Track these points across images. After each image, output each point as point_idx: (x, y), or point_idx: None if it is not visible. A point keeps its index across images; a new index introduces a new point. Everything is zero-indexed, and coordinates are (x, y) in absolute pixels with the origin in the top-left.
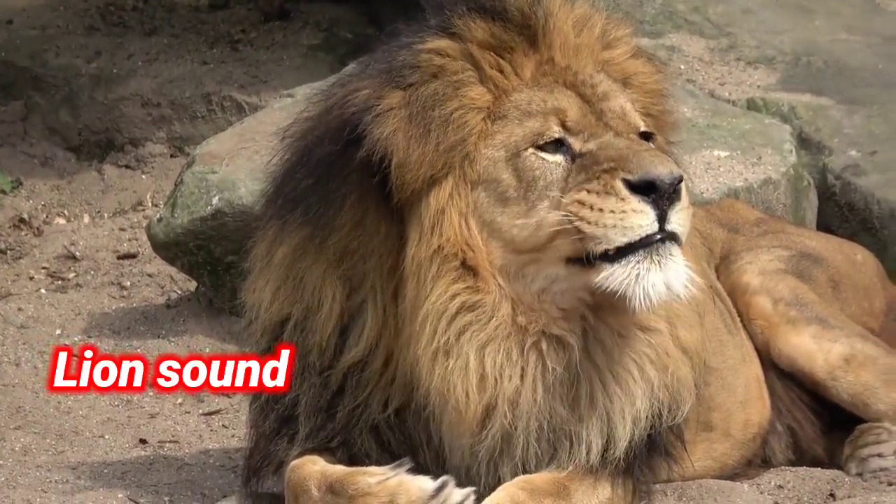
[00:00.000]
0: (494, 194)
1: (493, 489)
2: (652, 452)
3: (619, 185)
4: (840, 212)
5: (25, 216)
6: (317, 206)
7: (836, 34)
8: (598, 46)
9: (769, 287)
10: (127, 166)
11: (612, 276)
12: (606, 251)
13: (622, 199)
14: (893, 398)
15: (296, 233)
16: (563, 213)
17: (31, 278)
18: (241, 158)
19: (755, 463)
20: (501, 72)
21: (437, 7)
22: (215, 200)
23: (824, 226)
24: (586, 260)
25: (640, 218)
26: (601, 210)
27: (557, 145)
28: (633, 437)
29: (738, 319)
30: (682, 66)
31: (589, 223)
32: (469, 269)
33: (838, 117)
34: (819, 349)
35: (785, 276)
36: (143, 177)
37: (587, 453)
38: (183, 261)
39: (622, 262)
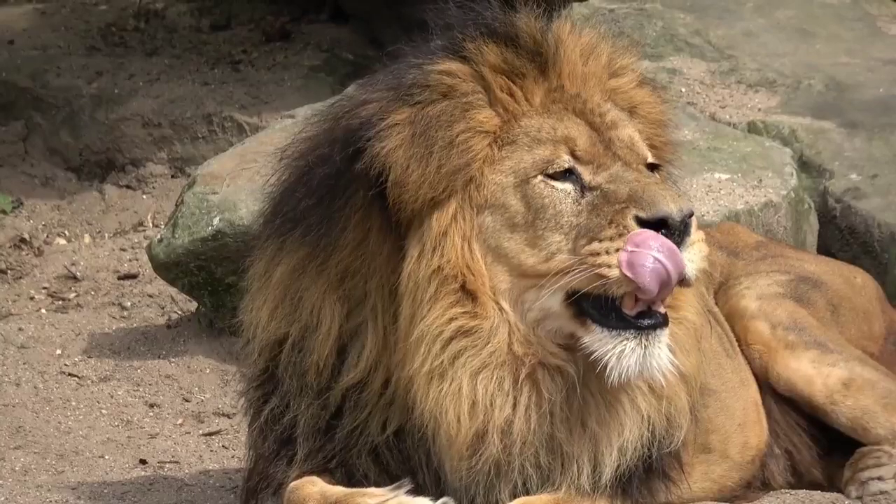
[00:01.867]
0: (501, 219)
1: None
2: (650, 474)
3: (632, 223)
4: (841, 235)
5: (26, 236)
6: (318, 226)
7: (837, 57)
8: (605, 75)
9: (767, 311)
10: (128, 186)
11: (599, 343)
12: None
13: None
14: (893, 422)
15: (295, 252)
16: (578, 258)
17: (32, 298)
18: (242, 179)
19: (754, 485)
20: (512, 96)
21: (444, 28)
22: (216, 221)
23: (825, 249)
24: (578, 312)
25: None
26: (618, 251)
27: (567, 174)
28: (620, 466)
29: (736, 344)
30: (683, 89)
31: (611, 266)
32: (468, 293)
33: (839, 140)
34: (818, 373)
35: (783, 300)
36: (144, 197)
37: (578, 477)
38: (183, 281)
39: (612, 334)
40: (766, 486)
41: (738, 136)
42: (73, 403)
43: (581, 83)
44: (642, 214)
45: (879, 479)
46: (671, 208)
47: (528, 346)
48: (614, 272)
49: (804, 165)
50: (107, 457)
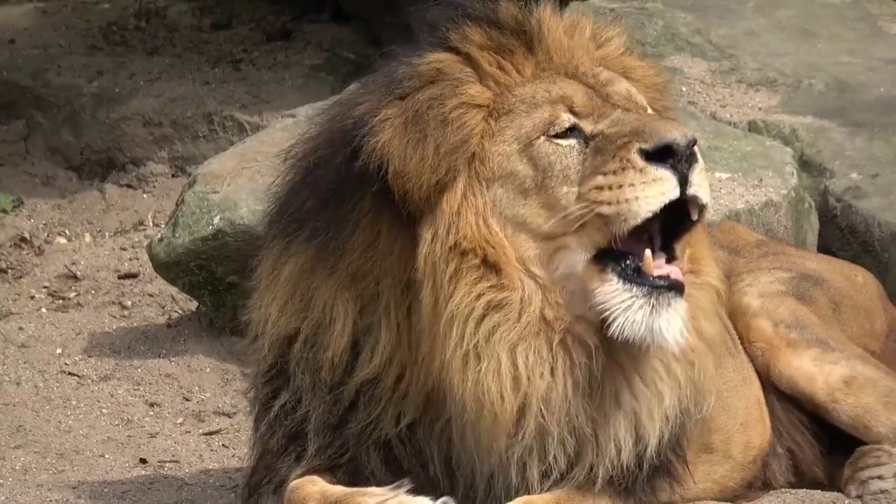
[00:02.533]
0: (513, 188)
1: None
2: (654, 472)
3: (636, 157)
4: (841, 234)
5: (27, 235)
6: (325, 230)
7: (838, 57)
8: (591, 46)
9: (769, 309)
10: (128, 186)
11: (611, 294)
12: (632, 228)
13: (640, 171)
14: (894, 420)
15: (302, 252)
16: (583, 203)
17: (32, 297)
18: (242, 178)
19: (755, 485)
20: (502, 69)
21: (431, 27)
22: (217, 220)
23: (825, 248)
24: (601, 258)
25: (660, 185)
26: (620, 186)
27: (569, 131)
28: (664, 436)
29: (738, 341)
30: (684, 88)
31: (609, 204)
32: (491, 266)
33: (840, 140)
34: (819, 371)
35: (785, 298)
36: (145, 196)
37: (618, 453)
38: (184, 280)
39: (626, 287)
40: (766, 486)
41: (738, 136)
42: (74, 402)
43: (569, 53)
44: (645, 146)
45: (879, 477)
46: (675, 134)
47: (558, 309)
48: (612, 208)
49: (805, 165)
50: (107, 456)
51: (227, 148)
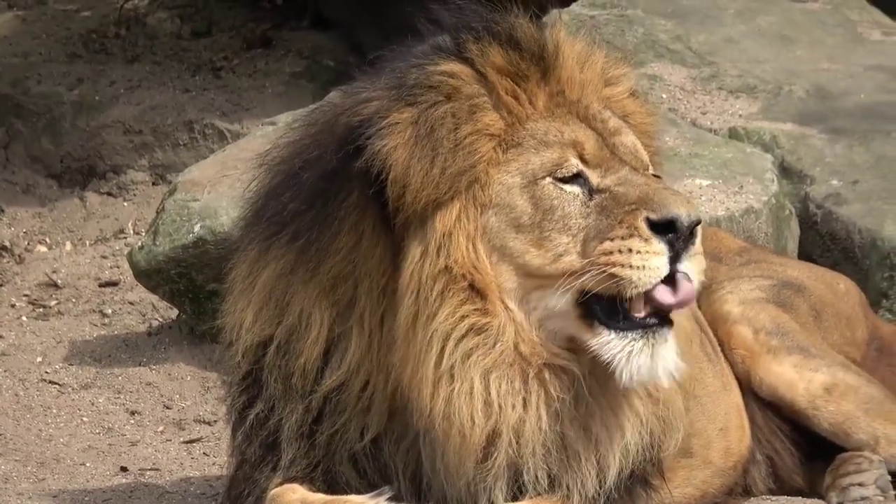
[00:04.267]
0: (507, 219)
1: None
2: (632, 482)
3: (643, 225)
4: (822, 241)
5: (7, 243)
6: (307, 231)
7: (818, 63)
8: (600, 84)
9: (750, 316)
10: (109, 194)
11: (608, 346)
12: (635, 294)
13: (645, 240)
14: (874, 427)
15: (282, 256)
16: (588, 261)
17: (13, 306)
18: (223, 186)
19: (736, 492)
20: (516, 99)
21: (439, 30)
22: (197, 228)
23: (806, 255)
24: (586, 315)
25: (658, 259)
26: (630, 251)
27: (576, 177)
28: (623, 469)
29: (718, 348)
30: (664, 95)
31: (623, 266)
32: (477, 291)
33: (820, 146)
34: (800, 378)
35: (766, 305)
36: (125, 204)
37: (585, 481)
38: (164, 288)
39: (619, 336)
40: (747, 492)
41: (719, 143)
42: (54, 411)
43: (580, 89)
44: (653, 216)
45: (860, 484)
46: (681, 211)
47: (533, 346)
48: (626, 272)
49: (785, 171)
50: (88, 464)
51: (207, 156)
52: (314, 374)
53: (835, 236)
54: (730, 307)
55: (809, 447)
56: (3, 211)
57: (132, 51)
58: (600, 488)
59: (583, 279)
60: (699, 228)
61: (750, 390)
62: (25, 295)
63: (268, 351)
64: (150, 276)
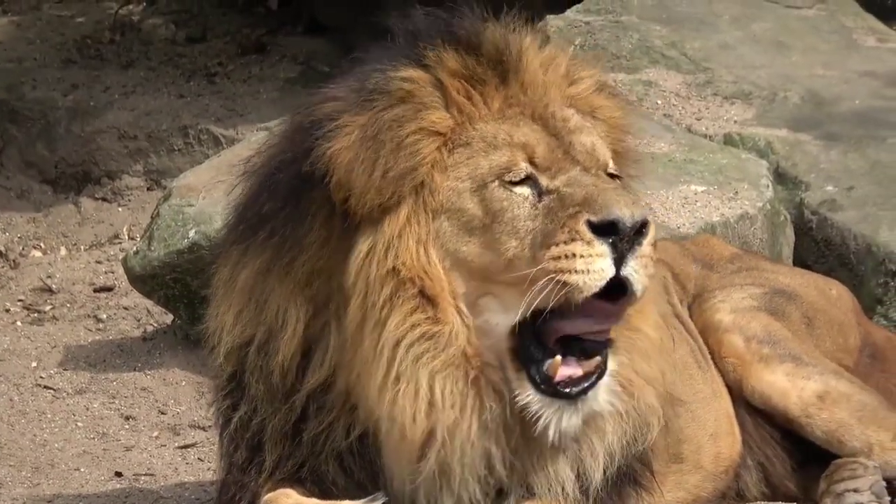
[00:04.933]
0: (458, 224)
1: None
2: (621, 481)
3: (584, 228)
4: (817, 247)
5: (2, 249)
6: (282, 227)
7: (813, 69)
8: (564, 83)
9: (741, 325)
10: (104, 199)
11: (537, 406)
12: (582, 300)
13: (587, 243)
14: (868, 435)
15: (259, 255)
16: (540, 267)
17: (7, 311)
18: (217, 191)
19: (729, 496)
20: (469, 99)
21: (409, 35)
22: (192, 233)
23: (801, 261)
24: (516, 356)
25: (602, 261)
26: (573, 255)
27: (525, 180)
28: (609, 468)
29: (708, 356)
30: (659, 101)
31: (570, 272)
32: (428, 298)
33: (815, 153)
34: (793, 386)
35: (757, 313)
36: (120, 210)
37: (567, 485)
38: (159, 294)
39: (546, 401)
40: (740, 496)
41: (714, 149)
42: (49, 416)
43: (542, 90)
44: (593, 218)
45: (855, 490)
46: (623, 212)
47: (476, 349)
48: (573, 277)
49: (780, 177)
50: (82, 469)
51: (202, 161)
52: (295, 372)
53: (830, 242)
54: (721, 316)
55: (802, 454)
56: None
57: (127, 56)
58: (585, 493)
59: (534, 292)
60: (649, 230)
61: (741, 398)
62: (20, 300)
63: (249, 352)
64: (145, 281)
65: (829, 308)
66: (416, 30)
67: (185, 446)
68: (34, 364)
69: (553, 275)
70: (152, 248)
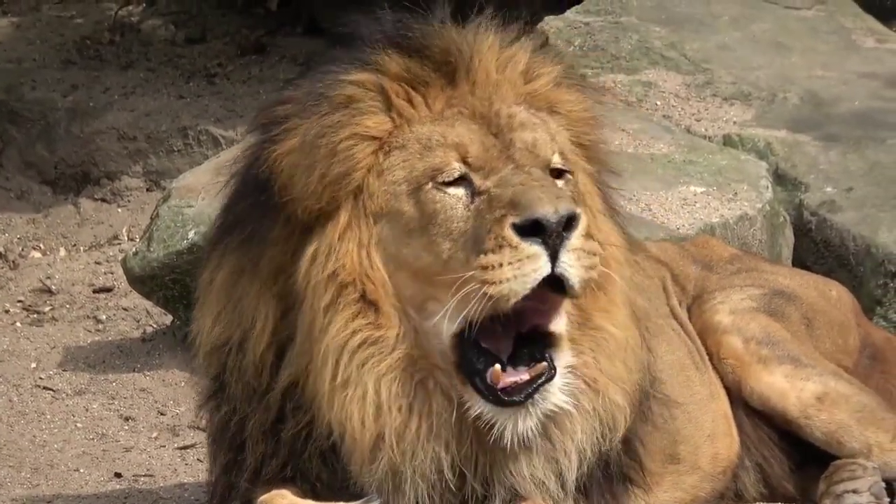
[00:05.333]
0: (398, 226)
1: None
2: (610, 478)
3: (510, 233)
4: (816, 248)
5: (1, 249)
6: (251, 226)
7: (813, 71)
8: (520, 81)
9: (740, 326)
10: (103, 200)
11: (488, 416)
12: (509, 307)
13: (515, 248)
14: (867, 436)
15: (233, 255)
16: (471, 273)
17: (7, 311)
18: (217, 192)
19: (727, 496)
20: (410, 101)
21: (359, 39)
22: (191, 234)
23: (800, 262)
24: (460, 368)
25: (535, 262)
26: (500, 265)
27: (458, 181)
28: (582, 465)
29: (706, 358)
30: (659, 102)
31: (493, 284)
32: (370, 303)
33: (814, 154)
34: (792, 388)
35: (756, 314)
36: (119, 210)
37: (539, 488)
38: (159, 294)
39: (496, 409)
40: (739, 497)
41: (713, 150)
42: (48, 417)
43: (493, 89)
44: (517, 220)
45: (854, 491)
46: (546, 209)
47: (424, 352)
48: (498, 288)
49: (779, 178)
50: (82, 470)
51: (201, 162)
52: (268, 371)
53: (829, 243)
54: (720, 317)
55: (800, 455)
56: None
57: (126, 57)
58: (563, 492)
59: (462, 301)
60: (578, 222)
61: (740, 399)
62: (19, 301)
63: (227, 353)
64: (145, 282)
65: (829, 309)
66: (367, 33)
67: (185, 447)
68: (33, 365)
69: (479, 286)
70: (152, 249)
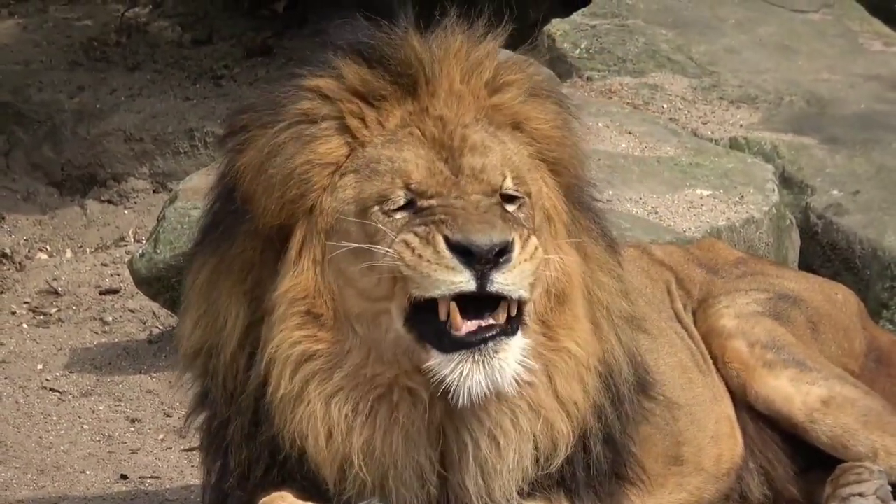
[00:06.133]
0: (345, 245)
1: None
2: (598, 478)
3: (439, 238)
4: (822, 251)
5: (8, 251)
6: (223, 226)
7: (819, 74)
8: (484, 92)
9: (745, 330)
10: (109, 201)
11: (439, 368)
12: (421, 299)
13: (437, 252)
14: (873, 440)
15: (212, 256)
16: (391, 251)
17: (13, 313)
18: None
19: (732, 498)
20: (363, 120)
21: (321, 46)
22: None
23: (806, 265)
24: (418, 337)
25: (452, 275)
26: (420, 256)
27: (404, 206)
28: (510, 489)
29: (710, 361)
30: (665, 105)
31: (408, 266)
32: (315, 316)
33: (821, 157)
34: (797, 392)
35: (762, 318)
36: (126, 212)
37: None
38: (165, 296)
39: (448, 357)
40: (743, 499)
41: (719, 152)
42: (55, 418)
43: (454, 102)
44: (449, 234)
45: (860, 495)
46: (478, 239)
47: (383, 366)
48: (410, 272)
49: (786, 181)
50: (88, 472)
51: (208, 164)
52: (242, 372)
53: (835, 247)
54: (725, 321)
55: (805, 458)
56: (3, 218)
57: (133, 59)
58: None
59: (384, 266)
60: (514, 253)
61: (744, 403)
62: (26, 302)
63: (209, 356)
64: (151, 283)
65: (835, 313)
66: (329, 41)
67: (191, 449)
68: (40, 366)
69: (396, 261)
70: (158, 251)
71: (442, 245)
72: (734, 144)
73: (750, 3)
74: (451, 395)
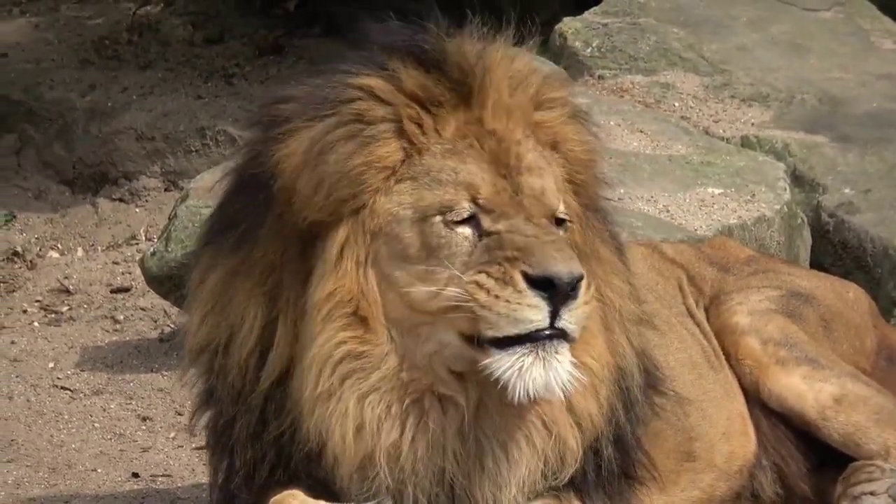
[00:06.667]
0: (395, 250)
1: None
2: (609, 478)
3: (518, 277)
4: (834, 250)
5: (19, 249)
6: (244, 224)
7: (830, 72)
8: (530, 107)
9: (758, 327)
10: (121, 200)
11: (498, 364)
12: (495, 337)
13: (518, 292)
14: (885, 438)
15: (230, 256)
16: (461, 290)
17: (25, 311)
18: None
19: (744, 496)
20: (421, 126)
21: (376, 44)
22: None
23: (818, 264)
24: (476, 341)
25: (533, 312)
26: (497, 297)
27: (468, 219)
28: (520, 497)
29: (722, 358)
30: (677, 104)
31: (483, 307)
32: (360, 318)
33: (832, 155)
34: (809, 389)
35: (774, 316)
36: (137, 210)
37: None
38: (176, 295)
39: (509, 352)
40: (755, 497)
41: (731, 151)
42: (66, 417)
43: (504, 115)
44: (529, 271)
45: (872, 493)
46: (560, 269)
47: (417, 371)
48: (485, 313)
49: (797, 180)
50: (99, 470)
51: (219, 162)
52: (253, 373)
53: (847, 245)
54: (738, 318)
55: (817, 456)
56: (15, 217)
57: (144, 57)
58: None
59: (454, 315)
60: (582, 283)
61: (757, 400)
62: (37, 301)
63: (215, 353)
64: (162, 282)
65: (846, 311)
66: (380, 39)
67: (202, 447)
68: (51, 365)
69: (466, 297)
70: (169, 249)
71: (522, 284)
72: (746, 143)
73: (762, 2)
74: (508, 390)
